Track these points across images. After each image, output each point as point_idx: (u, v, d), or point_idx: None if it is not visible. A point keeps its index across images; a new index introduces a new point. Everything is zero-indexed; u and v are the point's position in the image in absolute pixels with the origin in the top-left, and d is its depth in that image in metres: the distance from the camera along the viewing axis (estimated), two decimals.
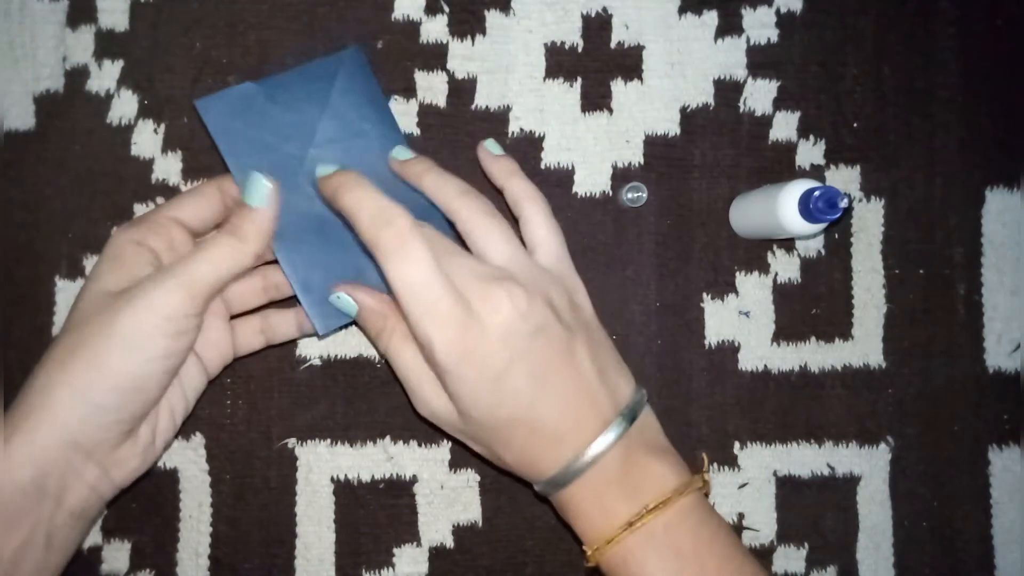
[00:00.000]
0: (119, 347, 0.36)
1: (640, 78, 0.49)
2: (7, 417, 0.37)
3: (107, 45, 0.48)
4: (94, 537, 0.47)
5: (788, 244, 0.48)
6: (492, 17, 0.48)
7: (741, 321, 0.48)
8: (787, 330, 0.48)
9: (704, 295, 0.48)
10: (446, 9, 0.48)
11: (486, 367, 0.36)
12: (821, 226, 0.41)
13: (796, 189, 0.40)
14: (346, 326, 0.46)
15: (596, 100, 0.49)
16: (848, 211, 0.48)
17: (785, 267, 0.48)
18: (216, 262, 0.38)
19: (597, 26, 0.49)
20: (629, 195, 0.47)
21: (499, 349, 0.36)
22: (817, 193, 0.39)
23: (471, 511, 0.48)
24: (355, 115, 0.44)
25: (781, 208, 0.41)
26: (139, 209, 0.48)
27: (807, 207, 0.39)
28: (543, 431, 0.37)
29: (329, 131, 0.43)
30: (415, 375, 0.39)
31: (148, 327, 0.36)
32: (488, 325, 0.36)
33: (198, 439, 0.47)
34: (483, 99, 0.48)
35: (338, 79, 0.44)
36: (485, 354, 0.36)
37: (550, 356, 0.37)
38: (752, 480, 0.48)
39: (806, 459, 0.48)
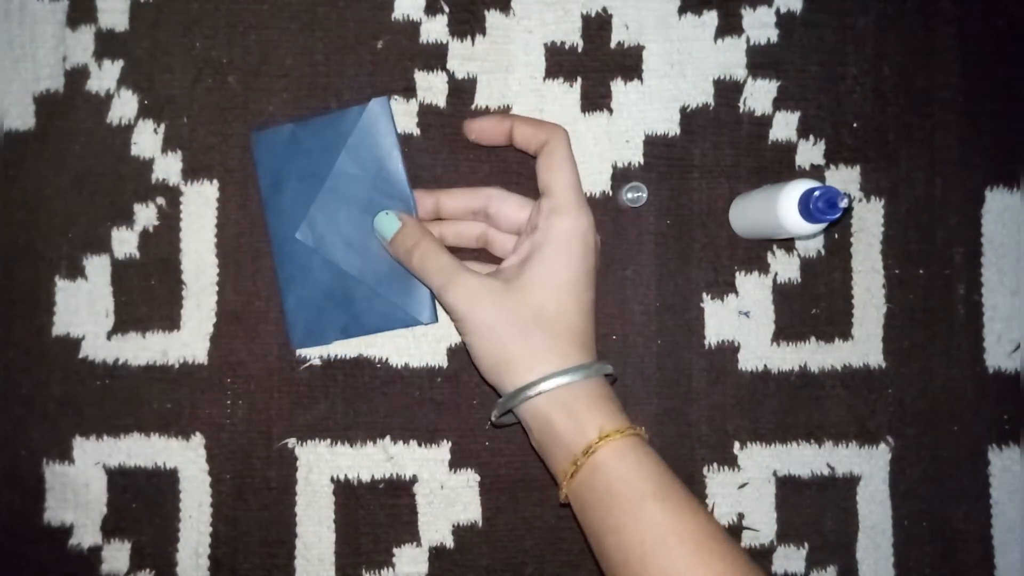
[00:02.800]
0: None
1: (640, 78, 0.49)
2: None
3: (107, 45, 0.48)
4: (94, 537, 0.47)
5: (788, 244, 0.48)
6: (492, 17, 0.48)
7: (741, 321, 0.48)
8: (787, 330, 0.48)
9: (704, 295, 0.48)
10: (446, 9, 0.48)
11: (588, 259, 0.42)
12: (821, 226, 0.41)
13: (796, 189, 0.40)
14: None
15: (596, 100, 0.49)
16: (848, 211, 0.48)
17: (785, 267, 0.48)
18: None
19: (597, 26, 0.49)
20: (629, 195, 0.47)
21: (593, 256, 0.42)
22: (817, 193, 0.39)
23: (471, 511, 0.48)
24: (369, 158, 0.47)
25: (781, 208, 0.41)
26: (139, 209, 0.48)
27: (807, 207, 0.39)
28: (568, 331, 0.41)
29: (346, 168, 0.46)
30: (455, 263, 0.42)
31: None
32: (590, 222, 0.42)
33: (198, 439, 0.47)
34: (483, 99, 0.48)
35: (359, 126, 0.46)
36: (591, 250, 0.42)
37: (592, 290, 0.43)
38: (752, 480, 0.48)
39: (806, 459, 0.48)
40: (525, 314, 0.41)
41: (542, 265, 0.41)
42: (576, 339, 0.41)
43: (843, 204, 0.38)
